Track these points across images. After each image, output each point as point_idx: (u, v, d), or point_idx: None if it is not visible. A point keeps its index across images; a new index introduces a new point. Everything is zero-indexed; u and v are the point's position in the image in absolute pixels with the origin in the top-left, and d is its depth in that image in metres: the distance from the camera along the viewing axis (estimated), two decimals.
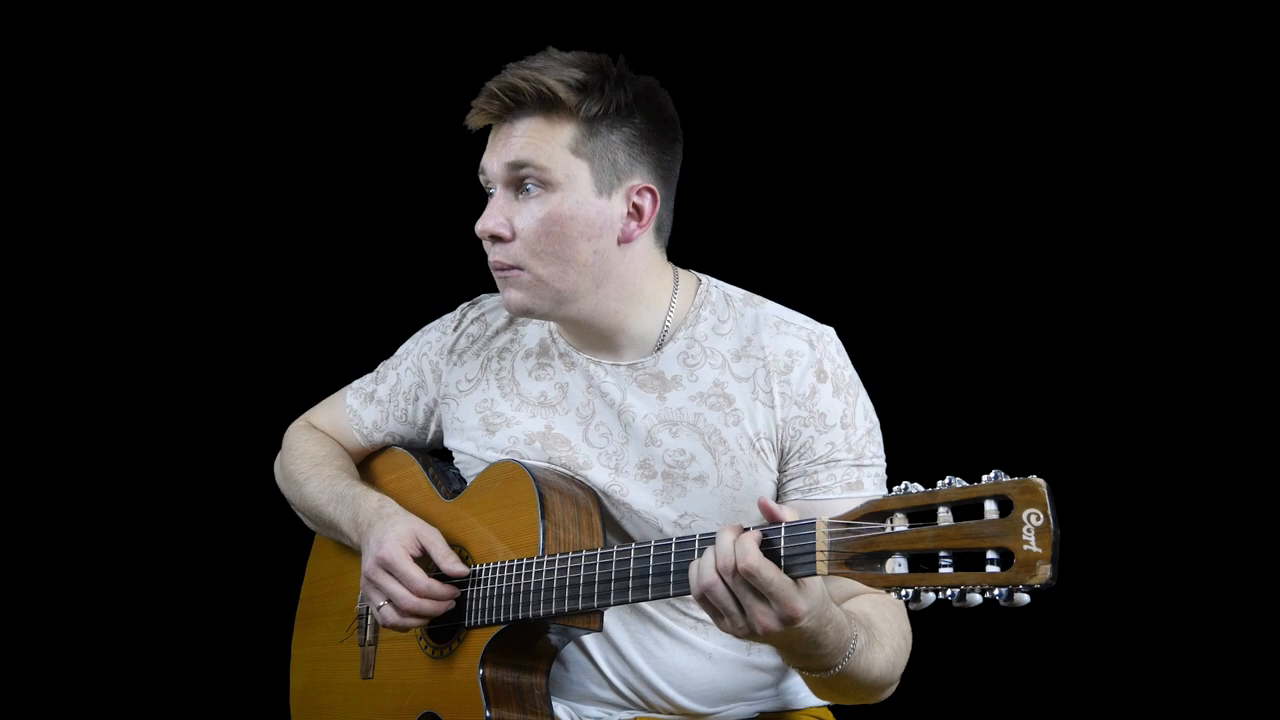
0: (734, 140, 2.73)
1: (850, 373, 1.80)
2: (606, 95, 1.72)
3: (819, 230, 2.75)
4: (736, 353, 1.80)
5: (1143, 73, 2.60)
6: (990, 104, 2.67)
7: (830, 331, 1.81)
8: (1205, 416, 2.59)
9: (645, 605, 1.81)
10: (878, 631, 1.63)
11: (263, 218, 2.91)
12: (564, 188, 1.73)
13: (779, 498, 1.79)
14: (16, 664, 2.81)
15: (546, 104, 1.72)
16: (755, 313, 1.82)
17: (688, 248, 1.90)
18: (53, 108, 2.86)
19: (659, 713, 1.85)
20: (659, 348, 1.82)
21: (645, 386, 1.81)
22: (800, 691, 1.92)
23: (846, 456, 1.75)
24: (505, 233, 1.75)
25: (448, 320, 2.01)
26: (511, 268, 1.76)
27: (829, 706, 1.96)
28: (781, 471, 1.78)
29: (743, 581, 1.45)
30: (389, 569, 1.79)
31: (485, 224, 1.76)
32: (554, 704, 1.83)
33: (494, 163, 1.76)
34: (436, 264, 2.49)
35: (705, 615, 1.75)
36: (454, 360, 1.96)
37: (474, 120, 1.78)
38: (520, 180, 1.74)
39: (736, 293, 1.87)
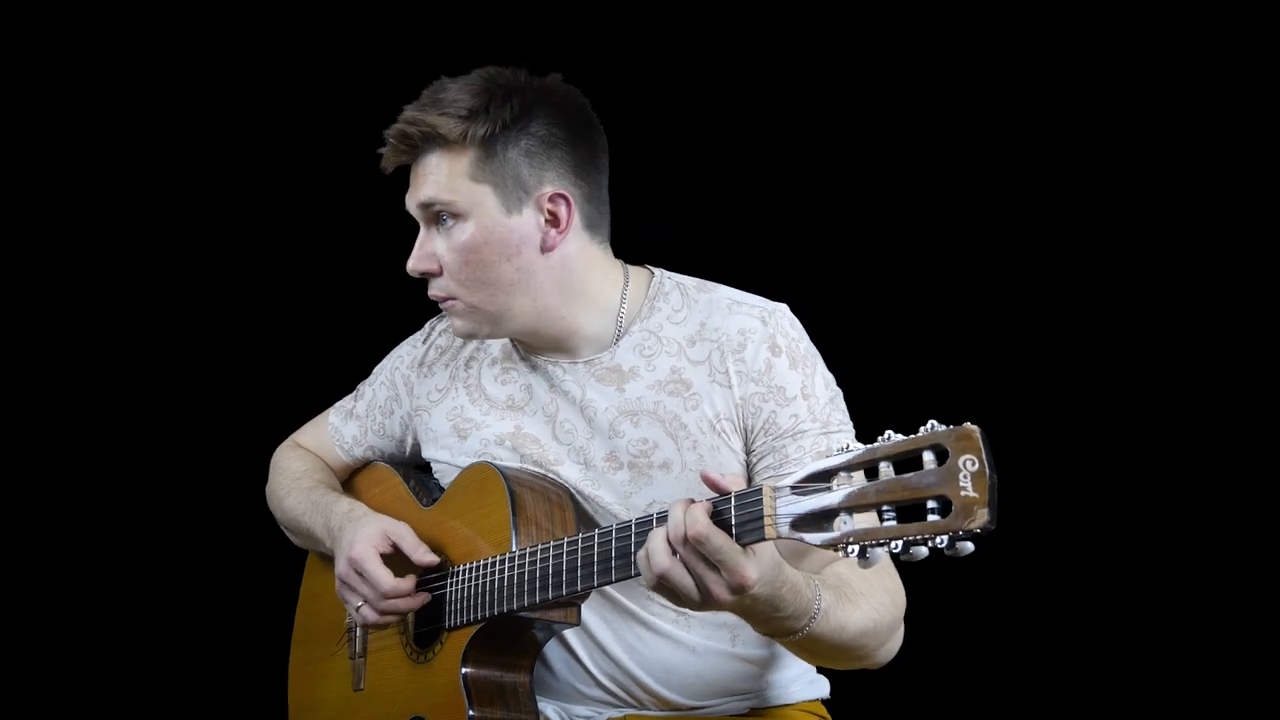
0: (670, 131, 2.78)
1: (806, 344, 1.81)
2: (492, 115, 1.75)
3: (764, 215, 2.80)
4: (691, 338, 1.82)
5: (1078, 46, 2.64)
6: (933, 82, 2.72)
7: (783, 307, 1.83)
8: (1142, 363, 2.61)
9: (625, 600, 1.83)
10: (851, 590, 1.62)
11: (252, 241, 2.96)
12: (472, 215, 1.78)
13: (750, 480, 1.79)
14: (16, 665, 2.84)
15: (439, 140, 1.77)
16: (708, 298, 1.85)
17: (638, 242, 1.93)
18: (42, 124, 2.91)
19: (647, 709, 1.86)
20: (615, 342, 1.85)
21: (603, 380, 1.84)
22: (790, 686, 1.92)
23: (812, 426, 1.76)
24: (433, 267, 1.82)
25: (418, 336, 2.06)
26: (446, 298, 1.83)
27: (823, 701, 1.96)
28: (750, 452, 1.79)
29: (693, 551, 1.46)
30: (359, 570, 1.83)
31: (411, 264, 1.84)
32: (544, 705, 1.85)
33: (411, 203, 1.84)
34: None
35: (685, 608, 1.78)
36: (424, 372, 2.01)
37: (385, 165, 1.84)
38: (436, 215, 1.81)
39: (690, 281, 1.89)
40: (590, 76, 1.90)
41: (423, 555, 1.83)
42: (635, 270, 1.90)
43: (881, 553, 1.36)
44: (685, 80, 2.78)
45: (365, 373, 2.15)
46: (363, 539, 1.84)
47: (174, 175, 2.96)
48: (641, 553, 1.50)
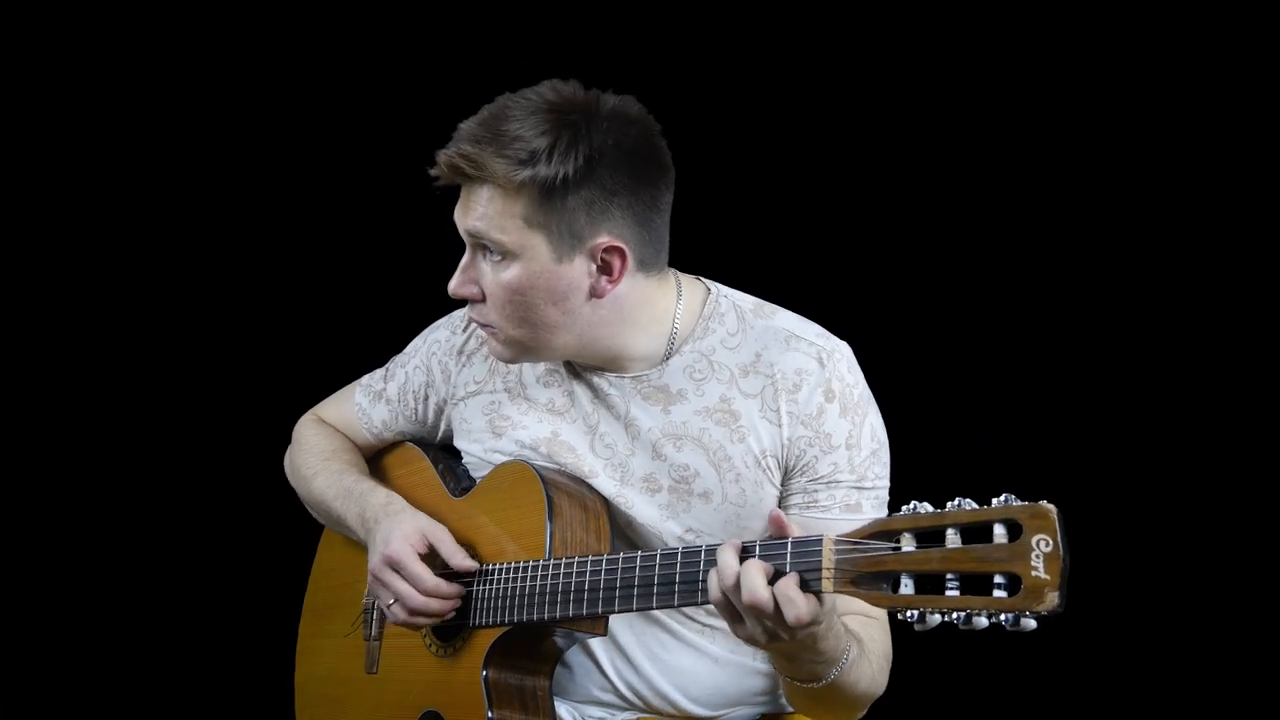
0: (757, 149, 2.72)
1: (860, 390, 1.77)
2: (555, 164, 1.63)
3: (841, 240, 2.74)
4: (745, 368, 1.77)
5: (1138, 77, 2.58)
6: (1021, 118, 2.65)
7: (842, 348, 1.78)
8: (1226, 445, 2.58)
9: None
10: (865, 647, 1.64)
11: (274, 209, 2.91)
12: (522, 258, 1.69)
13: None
14: (16, 662, 2.83)
15: (494, 178, 1.66)
16: (765, 325, 1.79)
17: (701, 254, 1.87)
18: (54, 108, 2.88)
19: (660, 714, 1.85)
20: (664, 360, 1.79)
21: (649, 399, 1.79)
22: None
23: (848, 478, 1.74)
24: (475, 293, 1.75)
25: (457, 319, 1.98)
26: (486, 325, 1.77)
27: None
28: (782, 485, 1.77)
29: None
30: (396, 567, 1.79)
31: (453, 287, 1.76)
32: (557, 704, 1.83)
33: (459, 224, 1.74)
34: (447, 255, 2.50)
35: (712, 620, 1.79)
36: (462, 361, 1.95)
37: (436, 184, 1.74)
38: (483, 245, 1.72)
39: (747, 303, 1.82)
40: (590, 77, 1.79)
41: (460, 560, 1.79)
42: (689, 283, 1.83)
43: (939, 619, 1.35)
44: (690, 83, 2.70)
45: (381, 344, 2.09)
46: (399, 537, 1.80)
47: (195, 145, 2.92)
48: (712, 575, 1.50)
